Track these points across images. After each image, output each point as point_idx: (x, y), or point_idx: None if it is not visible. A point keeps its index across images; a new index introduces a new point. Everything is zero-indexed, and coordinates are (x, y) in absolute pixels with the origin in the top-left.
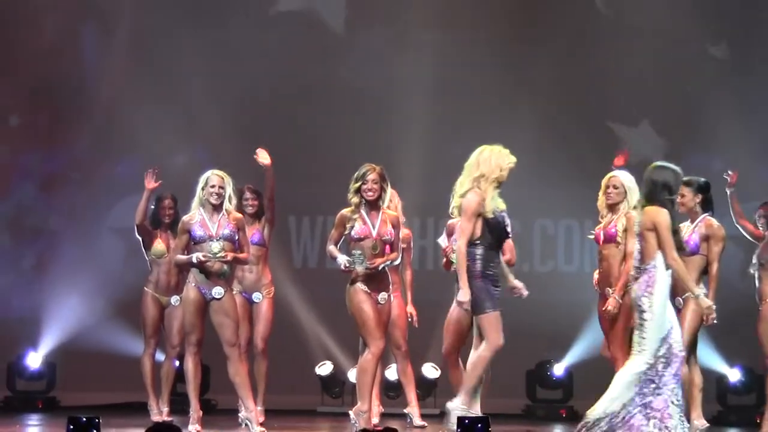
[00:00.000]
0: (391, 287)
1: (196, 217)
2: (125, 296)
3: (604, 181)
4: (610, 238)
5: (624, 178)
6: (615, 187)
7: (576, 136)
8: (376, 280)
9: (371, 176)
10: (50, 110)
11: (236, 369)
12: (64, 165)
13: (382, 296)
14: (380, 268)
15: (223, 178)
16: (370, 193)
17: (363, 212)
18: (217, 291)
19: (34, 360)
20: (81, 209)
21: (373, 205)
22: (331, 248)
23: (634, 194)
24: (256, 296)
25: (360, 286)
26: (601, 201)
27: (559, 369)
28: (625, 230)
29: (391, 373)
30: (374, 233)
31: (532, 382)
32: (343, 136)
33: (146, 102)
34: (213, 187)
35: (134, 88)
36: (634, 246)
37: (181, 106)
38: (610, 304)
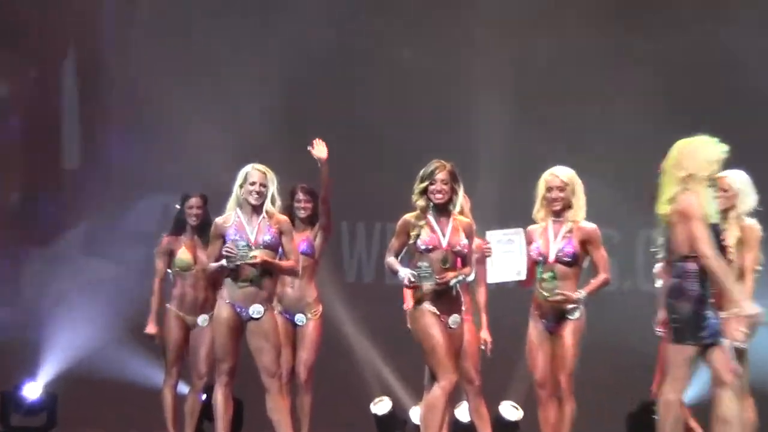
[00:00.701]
0: (463, 309)
1: (231, 219)
2: (141, 315)
3: None
4: None
5: (736, 177)
6: (724, 190)
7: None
8: (446, 299)
9: (440, 175)
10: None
11: (276, 404)
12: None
13: (454, 319)
14: (451, 284)
15: (265, 174)
16: (439, 196)
17: (430, 218)
18: (256, 309)
19: (32, 391)
20: (88, 209)
21: (443, 210)
22: (391, 260)
23: (748, 198)
24: (300, 318)
25: (427, 306)
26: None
27: None
28: (740, 242)
29: (462, 413)
30: (444, 243)
31: (633, 428)
32: (408, 129)
33: (173, 83)
34: (253, 184)
35: (157, 65)
36: (755, 261)
37: (216, 89)
38: (738, 338)
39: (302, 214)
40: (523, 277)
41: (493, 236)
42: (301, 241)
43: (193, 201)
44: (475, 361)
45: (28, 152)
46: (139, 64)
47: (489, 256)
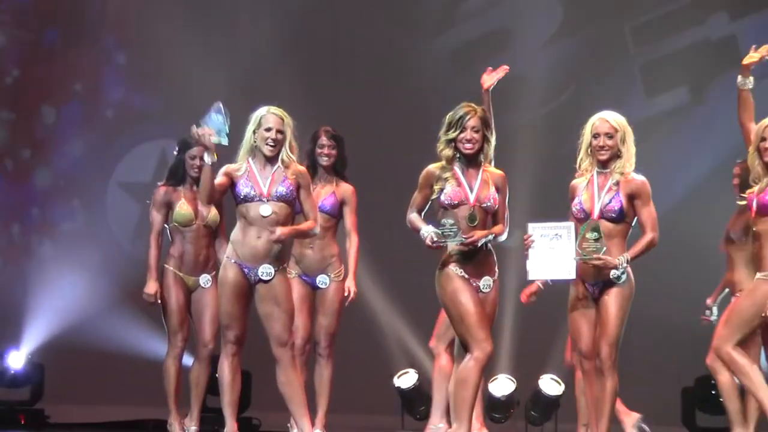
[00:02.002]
0: (496, 271)
1: (242, 168)
2: (136, 276)
3: (757, 129)
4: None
5: None
6: None
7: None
8: (475, 261)
9: (471, 121)
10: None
11: (288, 377)
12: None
13: (486, 282)
14: (479, 245)
15: (282, 119)
16: (469, 146)
17: (457, 170)
18: (265, 270)
19: (15, 360)
20: (78, 161)
21: (472, 161)
22: (413, 216)
23: None
24: (321, 280)
25: (454, 269)
26: (753, 157)
27: None
28: None
29: (498, 387)
30: (471, 198)
31: (690, 405)
32: (429, 71)
33: (171, 18)
34: (269, 130)
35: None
36: None
37: (224, 30)
38: None
39: (325, 161)
40: (573, 276)
41: (537, 229)
42: (327, 196)
43: (195, 150)
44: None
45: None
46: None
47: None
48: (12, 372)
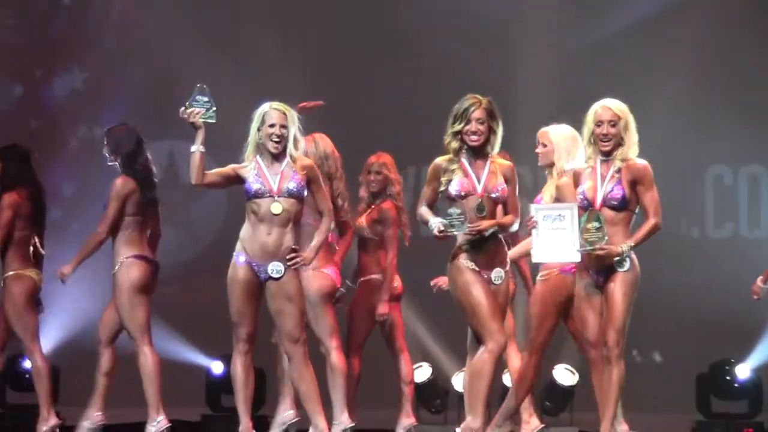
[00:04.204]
0: (508, 262)
1: (251, 165)
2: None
3: None
4: None
5: (556, 132)
6: (543, 145)
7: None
8: (486, 252)
9: (476, 113)
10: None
11: (301, 373)
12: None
13: (497, 274)
14: (486, 234)
15: (285, 114)
16: (474, 137)
17: (464, 161)
18: (275, 268)
19: (30, 363)
20: (88, 161)
21: (479, 152)
22: (423, 210)
23: (567, 154)
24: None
25: (464, 262)
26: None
27: (742, 372)
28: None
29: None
30: (479, 189)
31: (705, 391)
32: (447, 62)
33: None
34: (273, 126)
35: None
36: None
37: (233, 26)
38: None
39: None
40: (578, 258)
41: (540, 210)
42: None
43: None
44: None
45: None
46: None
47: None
48: (26, 376)
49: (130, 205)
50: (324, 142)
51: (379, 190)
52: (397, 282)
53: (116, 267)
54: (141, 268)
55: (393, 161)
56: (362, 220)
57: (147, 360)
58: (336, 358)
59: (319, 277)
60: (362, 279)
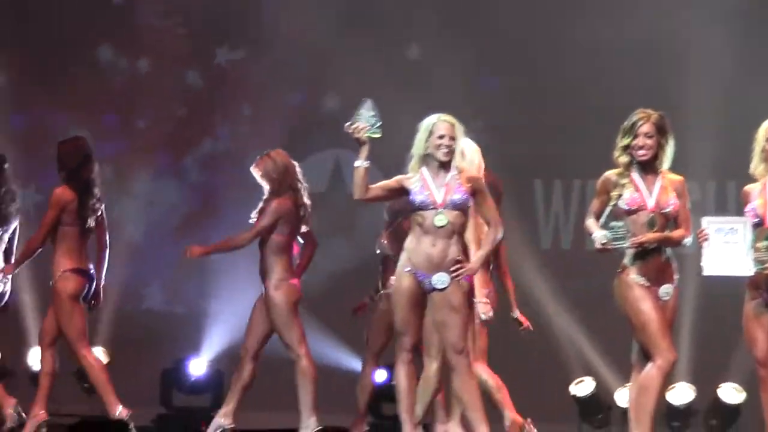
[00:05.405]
0: (676, 278)
1: (416, 177)
2: (316, 283)
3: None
4: None
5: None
6: None
7: None
8: (656, 268)
9: (644, 128)
10: None
11: (465, 384)
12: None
13: (665, 290)
14: (648, 247)
15: (453, 126)
16: (642, 152)
17: (635, 176)
18: (440, 279)
19: (196, 367)
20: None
21: (649, 167)
22: (589, 222)
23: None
24: None
25: (634, 277)
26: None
27: None
28: None
29: (676, 396)
30: (650, 204)
31: None
32: (606, 76)
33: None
34: (442, 137)
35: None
36: None
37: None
38: None
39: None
40: (750, 272)
41: (712, 223)
42: None
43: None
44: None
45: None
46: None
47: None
48: (193, 379)
49: (67, 214)
50: (280, 157)
51: (400, 208)
52: None
53: (55, 278)
54: (76, 281)
55: None
56: (383, 239)
57: (94, 365)
58: (306, 363)
59: (286, 288)
60: (384, 292)
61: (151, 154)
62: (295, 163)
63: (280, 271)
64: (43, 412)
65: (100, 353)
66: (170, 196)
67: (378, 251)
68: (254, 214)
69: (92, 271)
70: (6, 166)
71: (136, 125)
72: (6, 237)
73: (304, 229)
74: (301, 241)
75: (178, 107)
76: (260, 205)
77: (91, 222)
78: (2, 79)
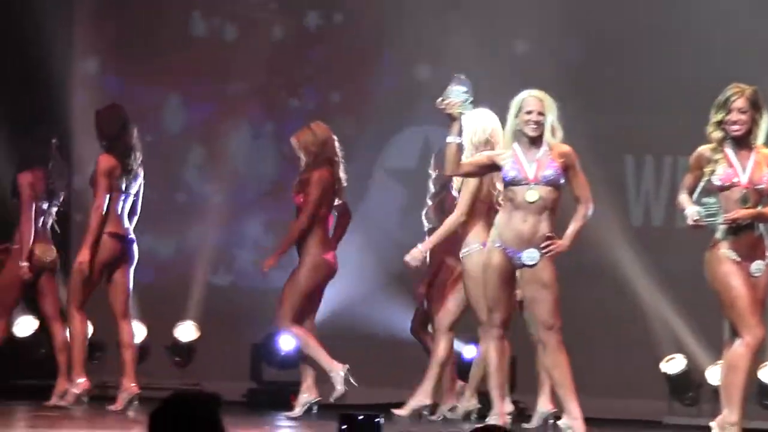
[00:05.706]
0: None
1: (508, 153)
2: (401, 259)
3: None
4: None
5: None
6: None
7: None
8: (747, 244)
9: (738, 103)
10: None
11: (555, 360)
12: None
13: (757, 267)
14: (744, 223)
15: (542, 101)
16: (735, 127)
17: (728, 151)
18: (530, 256)
19: (286, 342)
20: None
21: (743, 142)
22: (682, 197)
23: None
24: None
25: (725, 252)
26: None
27: None
28: None
29: (767, 374)
30: (744, 180)
31: None
32: (701, 52)
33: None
34: (530, 113)
35: None
36: None
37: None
38: None
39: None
40: None
41: None
42: None
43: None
44: None
45: None
46: None
47: None
48: (283, 353)
49: (111, 180)
50: (320, 130)
51: (444, 183)
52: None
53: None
54: (113, 245)
55: None
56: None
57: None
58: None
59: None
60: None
61: (242, 119)
62: (335, 137)
63: (316, 244)
64: (134, 384)
65: (191, 328)
66: (260, 165)
67: (425, 222)
68: (294, 188)
69: (131, 236)
70: (54, 141)
71: (227, 90)
72: (54, 210)
73: (337, 201)
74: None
75: (267, 74)
76: (297, 178)
77: (132, 188)
78: (100, 49)
